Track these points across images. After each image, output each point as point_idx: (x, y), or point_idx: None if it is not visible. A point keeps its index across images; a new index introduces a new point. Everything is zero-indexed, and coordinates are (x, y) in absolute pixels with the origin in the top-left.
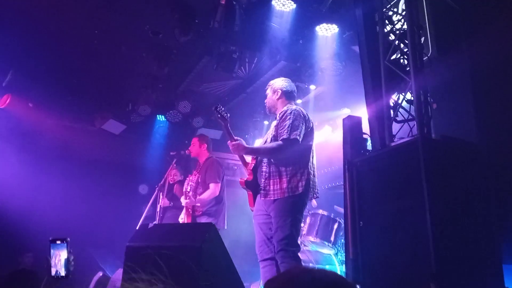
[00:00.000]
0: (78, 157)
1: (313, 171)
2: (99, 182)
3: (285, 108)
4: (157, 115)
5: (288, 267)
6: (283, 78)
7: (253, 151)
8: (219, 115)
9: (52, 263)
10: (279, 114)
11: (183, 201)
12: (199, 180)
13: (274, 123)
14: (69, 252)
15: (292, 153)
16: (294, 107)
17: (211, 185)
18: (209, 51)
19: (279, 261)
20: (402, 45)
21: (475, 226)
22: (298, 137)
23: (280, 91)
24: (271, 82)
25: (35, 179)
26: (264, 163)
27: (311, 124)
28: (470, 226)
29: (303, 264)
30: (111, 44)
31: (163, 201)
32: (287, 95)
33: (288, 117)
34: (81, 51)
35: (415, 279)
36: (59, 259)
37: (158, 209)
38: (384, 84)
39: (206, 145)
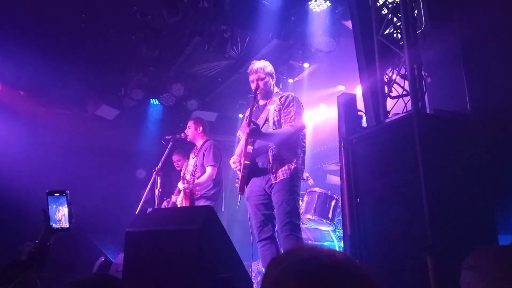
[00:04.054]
0: (73, 144)
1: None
2: (95, 168)
3: (277, 92)
4: (151, 99)
5: (294, 239)
6: (266, 61)
7: (267, 137)
8: (254, 96)
9: (59, 214)
10: (280, 98)
11: (180, 185)
12: (197, 164)
13: (273, 106)
14: (69, 204)
15: (297, 138)
16: (292, 93)
17: (208, 168)
18: (199, 32)
19: (285, 234)
20: (395, 19)
21: (470, 198)
22: (304, 124)
23: (274, 74)
24: (260, 65)
25: (29, 167)
26: (270, 146)
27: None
28: (465, 198)
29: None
30: (99, 28)
31: (176, 197)
32: (274, 79)
33: (292, 103)
34: (69, 36)
35: (412, 252)
36: (63, 213)
37: (156, 193)
38: (377, 59)
39: (202, 128)
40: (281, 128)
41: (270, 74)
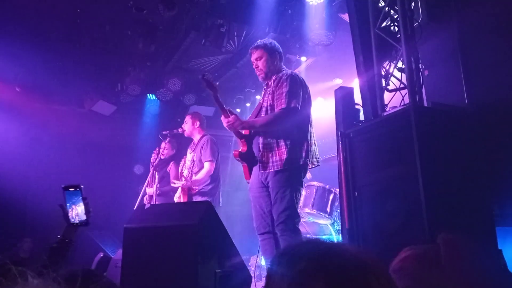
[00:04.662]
0: (70, 140)
1: (313, 140)
2: (93, 164)
3: (284, 70)
4: (148, 94)
5: (288, 239)
6: (269, 39)
7: (251, 126)
8: (206, 84)
9: (73, 212)
10: (274, 80)
11: (178, 183)
12: (195, 159)
13: (270, 89)
14: (84, 199)
15: (291, 122)
16: (289, 71)
17: (206, 164)
18: (196, 26)
19: (278, 234)
20: (392, 12)
21: (467, 190)
22: (297, 105)
23: (278, 54)
24: (262, 43)
25: (26, 164)
26: (261, 134)
27: (308, 90)
28: (462, 190)
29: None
30: (94, 23)
31: (150, 189)
32: (281, 58)
33: (285, 83)
34: (65, 31)
35: (410, 245)
36: (78, 207)
37: (154, 189)
38: (375, 52)
39: (199, 123)
40: (273, 112)
41: (270, 52)
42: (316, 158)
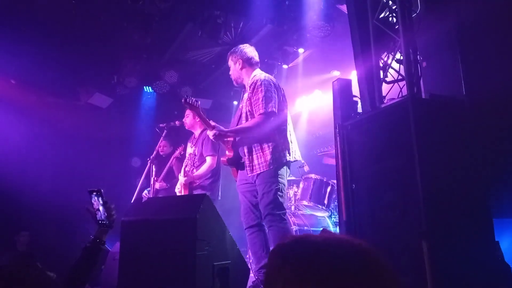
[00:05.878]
0: (67, 133)
1: (291, 138)
2: (89, 157)
3: (252, 77)
4: (144, 87)
5: (276, 229)
6: (242, 45)
7: (234, 134)
8: (189, 106)
9: (98, 214)
10: (249, 86)
11: (181, 179)
12: (196, 153)
13: (246, 95)
14: (105, 203)
15: (271, 125)
16: (262, 76)
17: (208, 158)
18: (192, 17)
19: (267, 225)
20: (390, 2)
21: (465, 182)
22: (274, 109)
23: (241, 60)
24: (230, 52)
25: (24, 158)
26: (244, 139)
27: (282, 91)
28: (460, 182)
29: (297, 227)
30: (89, 15)
31: (160, 184)
32: (249, 62)
33: (260, 89)
34: (60, 23)
35: (406, 238)
36: (103, 208)
37: (152, 182)
38: (373, 44)
39: None
40: (253, 119)
41: (235, 60)
42: (296, 153)
